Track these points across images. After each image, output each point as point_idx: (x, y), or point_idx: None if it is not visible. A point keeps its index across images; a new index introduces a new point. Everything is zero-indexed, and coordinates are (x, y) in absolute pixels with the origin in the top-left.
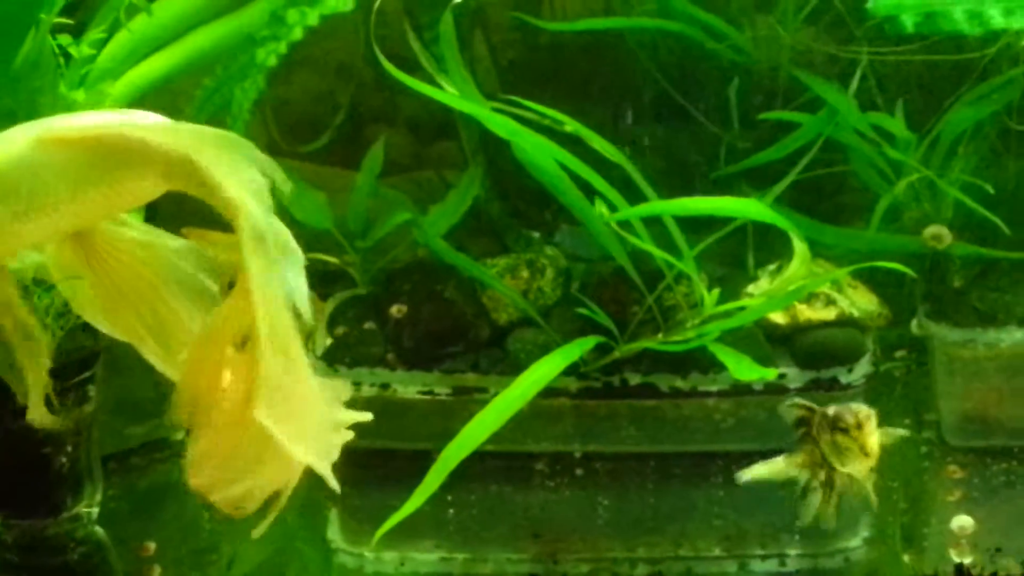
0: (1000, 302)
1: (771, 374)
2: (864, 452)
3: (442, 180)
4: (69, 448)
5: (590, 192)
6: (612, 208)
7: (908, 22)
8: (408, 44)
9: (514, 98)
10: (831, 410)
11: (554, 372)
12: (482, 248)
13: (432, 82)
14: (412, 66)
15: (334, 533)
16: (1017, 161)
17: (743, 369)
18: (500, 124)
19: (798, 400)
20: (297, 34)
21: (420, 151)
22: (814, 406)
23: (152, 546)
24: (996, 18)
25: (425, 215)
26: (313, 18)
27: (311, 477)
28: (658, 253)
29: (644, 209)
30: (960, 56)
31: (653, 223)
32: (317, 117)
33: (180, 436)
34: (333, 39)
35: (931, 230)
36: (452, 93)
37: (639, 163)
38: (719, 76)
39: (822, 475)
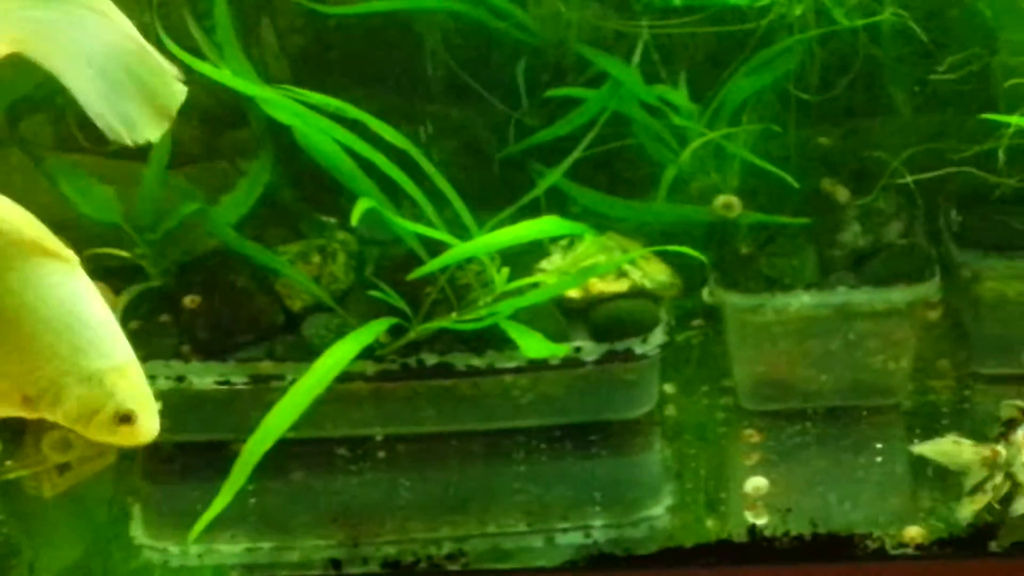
0: (787, 267)
1: (561, 350)
2: None
3: (236, 169)
4: None
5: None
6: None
7: None
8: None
9: (291, 87)
10: None
11: (349, 356)
12: (279, 236)
13: None
14: (198, 55)
15: (137, 530)
16: (799, 129)
17: (534, 346)
18: (280, 109)
19: (1018, 402)
20: None
21: (213, 140)
22: None
23: None
24: None
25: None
26: None
27: (115, 476)
28: (441, 236)
29: (468, 248)
30: (736, 27)
31: (442, 203)
32: None
33: None
34: None
35: (722, 199)
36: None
37: (431, 145)
38: (508, 55)
39: (998, 479)
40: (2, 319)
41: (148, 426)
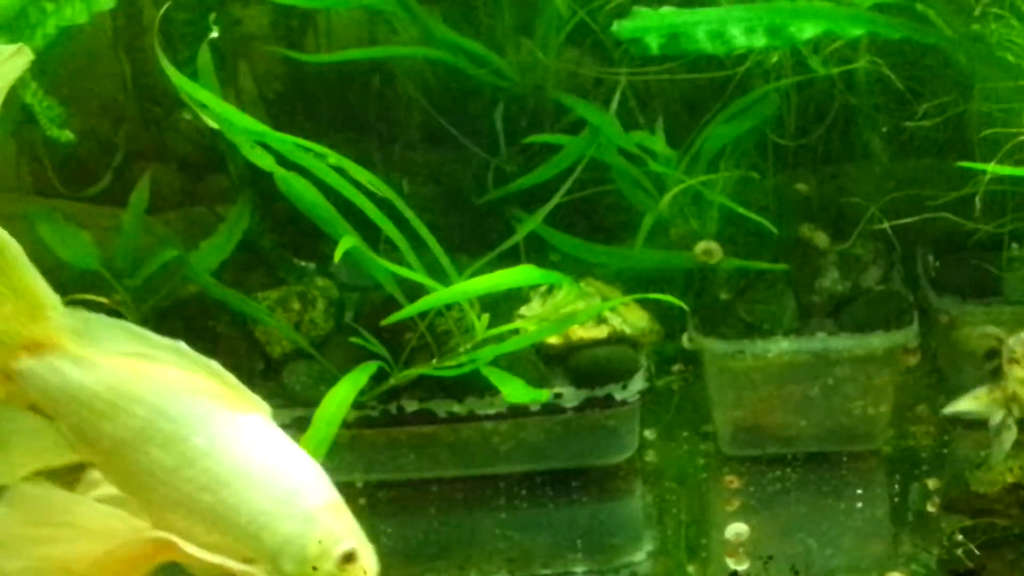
0: (766, 313)
1: (543, 396)
2: None
3: (215, 215)
4: None
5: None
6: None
7: (652, 44)
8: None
9: (271, 131)
10: (1013, 340)
11: (348, 401)
12: (258, 281)
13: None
14: (177, 102)
15: None
16: (777, 175)
17: (516, 392)
18: (260, 156)
19: (988, 329)
20: None
21: (192, 187)
22: (1002, 335)
23: None
24: (738, 37)
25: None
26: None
27: None
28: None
29: (446, 295)
30: (714, 74)
31: (421, 249)
32: (84, 156)
33: None
34: (94, 77)
35: (702, 245)
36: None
37: (410, 190)
38: (486, 102)
39: (1016, 411)
40: (216, 482)
41: (371, 562)
